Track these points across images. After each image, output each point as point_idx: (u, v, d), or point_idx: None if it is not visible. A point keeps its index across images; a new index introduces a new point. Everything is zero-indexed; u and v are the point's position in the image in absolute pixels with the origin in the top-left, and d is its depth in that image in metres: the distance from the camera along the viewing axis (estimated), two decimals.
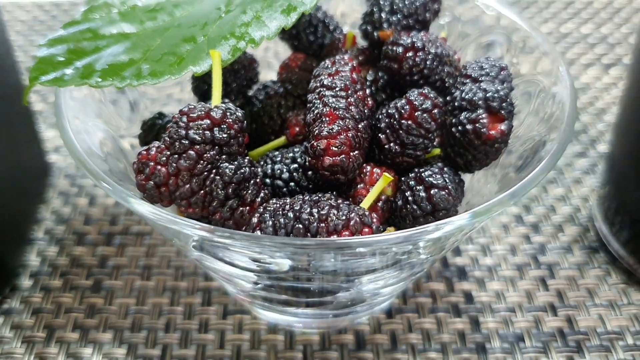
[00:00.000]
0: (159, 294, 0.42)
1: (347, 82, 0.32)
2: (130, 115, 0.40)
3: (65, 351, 0.39)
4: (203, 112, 0.29)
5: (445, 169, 0.32)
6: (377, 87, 0.37)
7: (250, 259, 0.29)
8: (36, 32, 0.68)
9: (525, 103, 0.37)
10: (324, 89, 0.32)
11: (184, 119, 0.29)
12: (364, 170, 0.33)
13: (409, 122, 0.32)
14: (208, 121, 0.29)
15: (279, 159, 0.33)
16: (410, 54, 0.35)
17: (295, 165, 0.33)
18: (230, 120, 0.29)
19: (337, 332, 0.39)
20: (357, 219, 0.28)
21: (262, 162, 0.34)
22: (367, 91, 0.34)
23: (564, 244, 0.46)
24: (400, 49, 0.35)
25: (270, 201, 0.30)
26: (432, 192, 0.31)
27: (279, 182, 0.33)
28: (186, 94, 0.44)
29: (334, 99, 0.31)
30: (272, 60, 0.47)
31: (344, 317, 0.38)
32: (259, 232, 0.28)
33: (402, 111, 0.32)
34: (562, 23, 0.70)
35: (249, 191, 0.30)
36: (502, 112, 0.32)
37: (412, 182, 0.32)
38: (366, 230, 0.28)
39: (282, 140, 0.36)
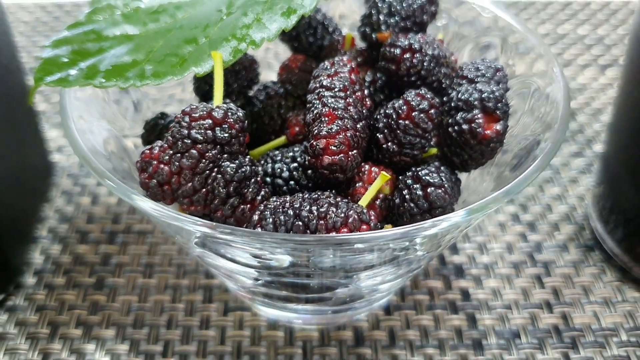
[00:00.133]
0: (160, 292, 0.43)
1: (346, 83, 0.33)
2: (133, 115, 0.40)
3: (68, 347, 0.39)
4: (205, 112, 0.30)
5: (441, 168, 0.33)
6: (375, 88, 0.38)
7: (251, 255, 0.30)
8: (39, 33, 0.69)
9: (520, 103, 0.38)
10: (323, 90, 0.32)
11: (187, 118, 0.30)
12: (363, 169, 0.33)
13: (407, 122, 0.33)
14: (210, 121, 0.30)
15: (279, 158, 0.34)
16: (407, 55, 0.35)
17: (295, 164, 0.33)
18: (232, 120, 0.30)
19: (336, 329, 0.40)
20: (356, 217, 0.28)
21: (262, 161, 0.34)
22: (366, 92, 0.35)
23: (560, 242, 0.46)
24: (397, 51, 0.36)
25: (271, 199, 0.30)
26: (428, 190, 0.32)
27: (279, 181, 0.33)
28: (188, 94, 0.44)
29: (333, 100, 0.32)
30: (272, 61, 0.48)
31: (343, 314, 0.39)
32: (259, 229, 0.29)
33: (400, 111, 0.33)
34: (560, 24, 0.71)
35: (250, 189, 0.31)
36: (498, 112, 0.32)
37: (409, 181, 0.32)
38: (364, 227, 0.28)
39: (282, 139, 0.37)
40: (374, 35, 0.39)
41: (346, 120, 0.31)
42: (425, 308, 0.42)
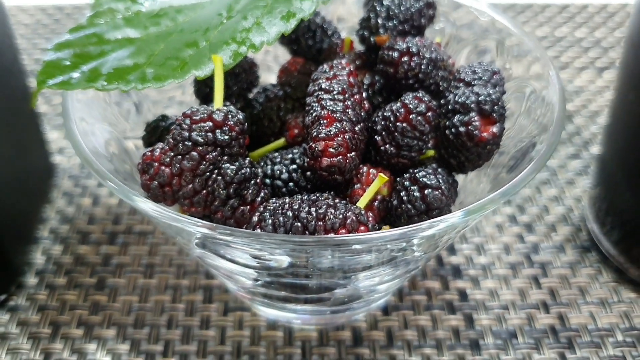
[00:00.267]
0: (161, 292, 0.43)
1: (345, 86, 0.33)
2: (134, 117, 0.41)
3: (70, 347, 0.40)
4: (205, 115, 0.30)
5: (439, 169, 0.34)
6: (373, 91, 0.38)
7: (251, 255, 0.30)
8: (40, 35, 0.70)
9: (516, 106, 0.38)
10: (322, 93, 0.33)
11: (187, 121, 0.30)
12: (361, 170, 0.34)
13: (404, 124, 0.33)
14: (210, 123, 0.30)
15: (278, 160, 0.34)
16: (405, 58, 0.36)
17: (294, 166, 0.34)
18: (232, 122, 0.31)
19: (334, 329, 0.40)
20: (354, 218, 0.29)
21: (262, 163, 0.35)
22: (364, 94, 0.35)
23: (557, 243, 0.47)
24: (396, 54, 0.36)
25: (270, 200, 0.31)
26: (426, 192, 0.32)
27: (279, 182, 0.34)
28: (188, 96, 0.45)
29: (331, 102, 0.32)
30: (271, 64, 0.48)
31: (341, 314, 0.39)
32: (259, 230, 0.29)
33: (398, 114, 0.33)
34: (557, 27, 0.71)
35: (250, 191, 0.31)
36: (494, 115, 0.33)
37: (407, 183, 0.33)
38: (362, 228, 0.29)
39: (281, 141, 0.37)
40: (372, 39, 0.39)
41: (344, 122, 0.32)
42: (423, 308, 0.42)
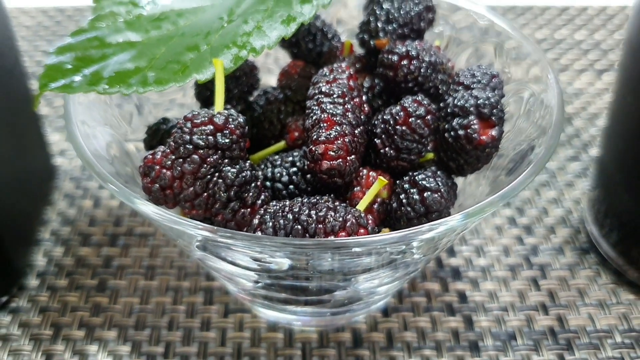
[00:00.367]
0: (162, 294, 0.43)
1: (344, 89, 0.33)
2: (135, 120, 0.41)
3: (71, 348, 0.40)
4: (206, 118, 0.30)
5: (438, 172, 0.34)
6: (373, 94, 0.38)
7: (251, 258, 0.30)
8: (41, 37, 0.70)
9: (515, 109, 0.39)
10: (322, 96, 0.33)
11: (188, 124, 0.30)
12: (361, 173, 0.34)
13: (404, 127, 0.33)
14: (211, 127, 0.30)
15: (278, 162, 0.35)
16: (405, 62, 0.36)
17: (295, 169, 0.34)
18: (233, 125, 0.31)
19: (334, 331, 0.41)
20: (354, 221, 0.29)
21: (262, 166, 0.35)
22: (364, 98, 0.35)
23: (556, 245, 0.47)
24: (395, 57, 0.36)
25: (271, 203, 0.31)
26: (425, 194, 0.32)
27: (279, 185, 0.34)
28: (188, 99, 0.45)
29: (331, 106, 0.32)
30: (272, 66, 0.49)
31: (341, 316, 0.39)
32: (259, 233, 0.29)
33: (397, 117, 0.33)
34: (557, 29, 0.71)
35: (250, 194, 0.31)
36: (493, 118, 0.33)
37: (406, 185, 0.33)
38: (362, 231, 0.29)
39: (281, 144, 0.37)
40: (372, 42, 0.39)
41: (344, 126, 0.32)
42: (423, 310, 0.42)
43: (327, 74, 0.35)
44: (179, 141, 0.30)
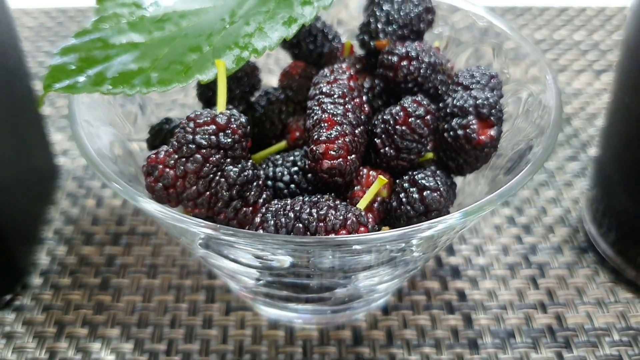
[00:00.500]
0: (164, 292, 0.44)
1: (345, 90, 0.34)
2: (138, 120, 0.42)
3: (75, 346, 0.40)
4: (209, 118, 0.31)
5: (437, 172, 0.34)
6: (373, 94, 0.39)
7: (253, 256, 0.31)
8: (43, 38, 0.70)
9: (514, 109, 0.39)
10: (323, 96, 0.33)
11: (191, 124, 0.31)
12: (361, 173, 0.34)
13: (403, 127, 0.34)
14: (214, 127, 0.31)
15: (280, 162, 0.35)
16: (404, 62, 0.37)
17: (296, 168, 0.34)
18: (235, 125, 0.31)
19: (335, 328, 0.41)
20: (354, 219, 0.29)
21: (264, 165, 0.35)
22: (364, 98, 0.36)
23: (554, 244, 0.47)
24: (395, 58, 0.37)
25: (272, 202, 0.32)
26: (424, 193, 0.33)
27: (280, 184, 0.34)
28: (190, 99, 0.46)
29: (332, 106, 0.33)
30: (273, 67, 0.49)
31: (342, 314, 0.40)
32: (261, 231, 0.30)
33: (397, 117, 0.34)
34: (556, 30, 0.72)
35: (252, 193, 0.32)
36: (492, 118, 0.33)
37: (406, 185, 0.34)
38: (362, 229, 0.29)
39: (283, 144, 0.38)
40: (372, 43, 0.40)
41: (345, 125, 0.32)
42: (422, 308, 0.43)
43: (328, 74, 0.35)
44: (182, 141, 0.31)
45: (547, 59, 0.61)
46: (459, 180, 0.38)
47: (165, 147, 0.31)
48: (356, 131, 0.33)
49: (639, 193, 0.41)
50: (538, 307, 0.43)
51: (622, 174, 0.42)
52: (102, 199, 0.51)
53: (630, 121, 0.41)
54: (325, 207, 0.30)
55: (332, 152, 0.31)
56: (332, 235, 0.29)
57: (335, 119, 0.32)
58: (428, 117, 0.34)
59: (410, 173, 0.34)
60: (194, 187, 0.31)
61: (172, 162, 0.31)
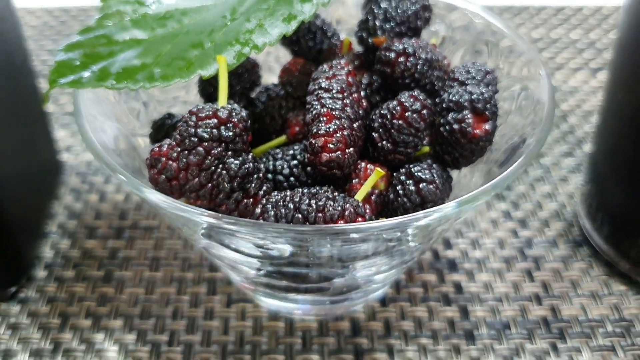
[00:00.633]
0: (166, 284, 0.44)
1: (343, 85, 0.35)
2: (141, 116, 0.42)
3: (79, 337, 0.41)
4: (211, 112, 0.32)
5: (433, 165, 0.35)
6: (371, 90, 0.40)
7: (254, 245, 0.31)
8: (46, 37, 0.71)
9: (508, 104, 0.40)
10: (322, 91, 0.34)
11: (193, 118, 0.32)
12: (359, 166, 0.35)
13: (400, 122, 0.35)
14: (215, 120, 0.32)
15: (280, 155, 0.36)
16: (402, 59, 0.37)
17: (295, 162, 0.35)
18: (236, 119, 0.32)
19: (334, 320, 0.42)
20: (352, 209, 0.30)
21: (264, 159, 0.36)
22: (362, 93, 0.37)
23: (550, 238, 0.48)
24: (392, 55, 0.38)
25: (272, 194, 0.32)
26: (420, 185, 0.33)
27: (280, 177, 0.35)
28: (192, 96, 0.46)
29: (331, 101, 0.34)
30: (273, 64, 0.50)
31: (340, 304, 0.41)
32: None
33: (394, 112, 0.35)
34: (553, 29, 0.73)
35: (253, 185, 0.32)
36: (487, 112, 0.34)
37: (402, 177, 0.34)
38: (360, 219, 0.30)
39: (283, 138, 0.39)
40: (370, 40, 0.40)
41: (343, 120, 0.33)
42: (420, 300, 0.43)
43: (327, 70, 0.36)
44: (185, 134, 0.31)
45: (540, 56, 0.62)
46: (454, 174, 0.38)
47: (168, 141, 0.32)
48: (354, 125, 0.34)
49: (631, 188, 0.42)
50: (533, 299, 0.44)
51: (615, 170, 0.43)
52: (105, 194, 0.51)
53: (623, 118, 0.42)
54: (324, 198, 0.31)
55: (331, 145, 0.32)
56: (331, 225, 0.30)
57: (333, 113, 0.33)
58: (424, 111, 0.35)
59: (407, 166, 0.35)
60: (196, 179, 0.31)
61: (175, 154, 0.31)
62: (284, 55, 0.48)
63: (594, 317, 0.42)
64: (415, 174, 0.34)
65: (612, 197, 0.44)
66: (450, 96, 0.35)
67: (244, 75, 0.42)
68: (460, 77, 0.38)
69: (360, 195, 0.33)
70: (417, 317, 0.42)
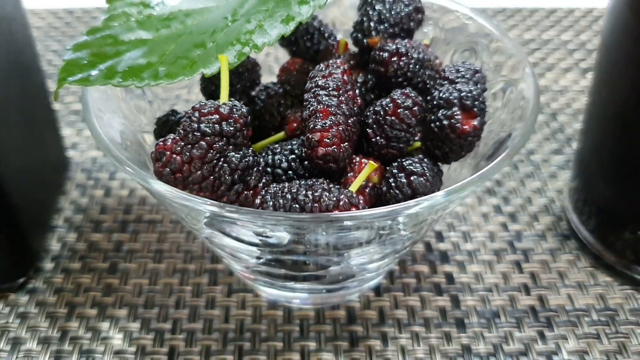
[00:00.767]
0: (169, 275, 0.46)
1: (339, 83, 0.36)
2: (146, 114, 0.44)
3: (85, 325, 0.43)
4: (213, 108, 0.33)
5: (424, 159, 0.37)
6: (366, 88, 0.41)
7: (254, 233, 0.33)
8: (51, 37, 0.73)
9: (496, 101, 0.42)
10: (318, 89, 0.36)
11: (196, 114, 0.33)
12: (354, 160, 0.37)
13: (393, 118, 0.36)
14: (217, 116, 0.33)
15: (278, 150, 0.38)
16: (395, 58, 0.39)
17: (293, 156, 0.37)
18: (237, 115, 0.34)
19: (330, 308, 0.44)
20: (346, 200, 0.32)
21: (264, 154, 0.38)
22: (357, 91, 0.38)
23: (539, 231, 0.50)
24: (386, 54, 0.39)
25: (271, 185, 0.34)
26: (412, 178, 0.35)
27: (279, 171, 0.37)
28: (194, 95, 0.48)
29: (327, 98, 0.35)
30: (272, 64, 0.52)
31: (336, 293, 0.42)
32: None
33: (387, 109, 0.37)
34: (544, 30, 0.75)
35: (253, 177, 0.34)
36: (475, 109, 0.36)
37: (395, 170, 0.36)
38: (353, 209, 0.32)
39: (281, 135, 0.40)
40: (365, 41, 0.42)
41: (338, 116, 0.35)
42: (413, 290, 0.45)
43: (323, 69, 0.38)
44: (188, 129, 0.33)
45: (527, 55, 0.64)
46: (445, 168, 0.40)
47: (172, 135, 0.34)
48: (349, 121, 0.35)
49: (616, 183, 0.44)
50: (522, 290, 0.45)
51: (601, 165, 0.45)
52: (110, 189, 0.53)
53: (607, 115, 0.43)
54: (320, 190, 0.32)
55: (327, 140, 0.34)
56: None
57: (329, 109, 0.35)
58: (416, 108, 0.37)
59: (399, 160, 0.37)
60: (199, 172, 0.33)
61: (179, 148, 0.33)
62: (283, 56, 0.49)
63: (580, 307, 0.44)
64: (407, 167, 0.36)
65: (598, 192, 0.46)
66: (441, 94, 0.37)
67: (245, 74, 0.43)
68: (451, 76, 0.39)
69: (354, 187, 0.34)
70: (410, 306, 0.44)
